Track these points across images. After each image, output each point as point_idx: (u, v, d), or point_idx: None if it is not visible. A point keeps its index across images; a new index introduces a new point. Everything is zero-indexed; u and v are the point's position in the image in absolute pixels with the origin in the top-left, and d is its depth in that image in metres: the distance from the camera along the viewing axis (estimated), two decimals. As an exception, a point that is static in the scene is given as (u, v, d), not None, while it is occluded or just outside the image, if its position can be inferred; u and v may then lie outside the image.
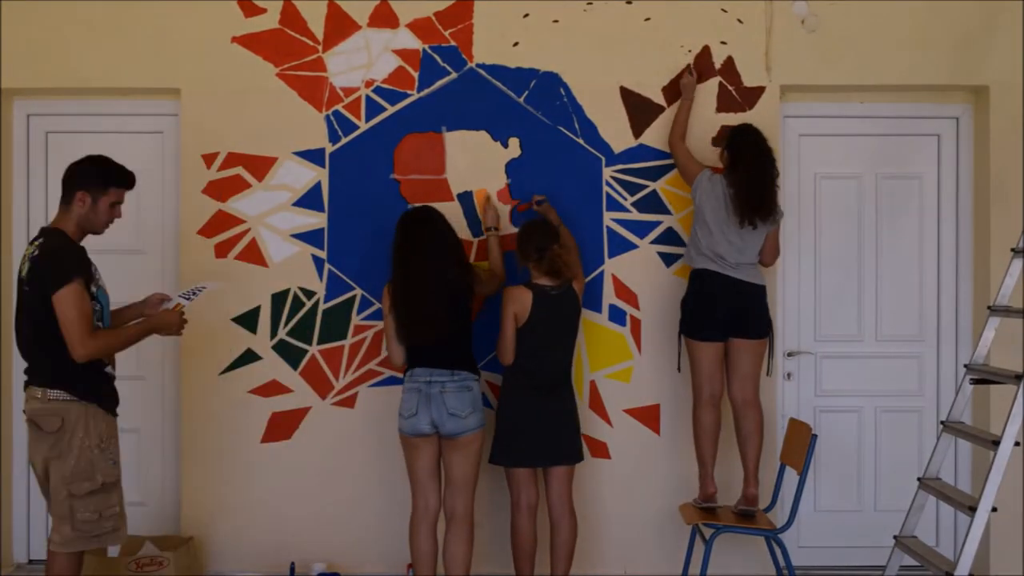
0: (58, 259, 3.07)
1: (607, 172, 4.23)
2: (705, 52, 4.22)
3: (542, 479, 3.82)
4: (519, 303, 3.72)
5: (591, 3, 4.23)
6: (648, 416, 4.23)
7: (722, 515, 3.82)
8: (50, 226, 3.22)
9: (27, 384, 3.21)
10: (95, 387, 3.21)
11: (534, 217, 4.00)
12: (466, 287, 3.69)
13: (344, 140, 4.23)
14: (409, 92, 4.23)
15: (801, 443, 3.72)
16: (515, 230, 4.19)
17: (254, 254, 4.23)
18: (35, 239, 3.20)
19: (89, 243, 4.35)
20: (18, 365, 4.35)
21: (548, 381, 3.76)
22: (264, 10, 4.22)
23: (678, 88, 4.21)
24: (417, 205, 3.96)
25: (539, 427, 3.72)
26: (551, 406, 3.76)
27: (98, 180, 3.21)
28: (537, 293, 3.73)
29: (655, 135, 4.22)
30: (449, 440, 3.60)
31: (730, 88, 4.22)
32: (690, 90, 4.12)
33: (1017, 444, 3.15)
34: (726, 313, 3.83)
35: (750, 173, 3.83)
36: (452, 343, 3.63)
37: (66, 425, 3.09)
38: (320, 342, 4.21)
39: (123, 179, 3.29)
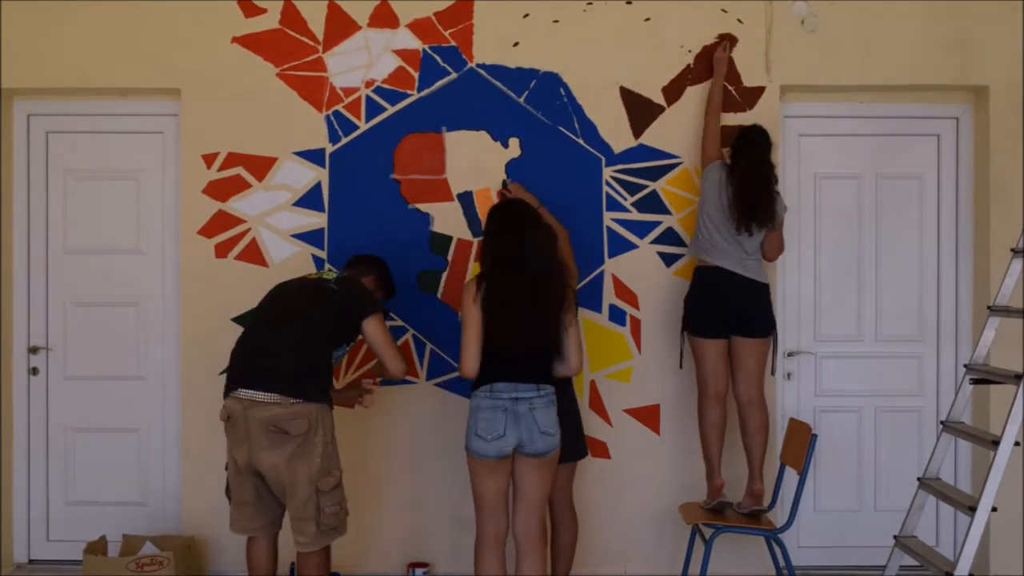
0: (369, 292, 3.55)
1: (607, 172, 4.23)
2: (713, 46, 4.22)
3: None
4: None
5: (591, 3, 4.23)
6: (648, 416, 4.23)
7: (730, 516, 3.81)
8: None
9: (252, 389, 3.26)
10: (326, 387, 3.37)
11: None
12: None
13: (344, 140, 4.23)
14: (409, 92, 4.23)
15: (801, 443, 3.72)
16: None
17: (254, 254, 4.23)
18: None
19: (89, 243, 4.37)
20: (19, 365, 4.38)
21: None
22: (264, 10, 4.23)
23: (678, 88, 4.21)
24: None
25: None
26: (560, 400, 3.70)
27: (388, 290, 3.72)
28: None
29: (655, 135, 4.22)
30: (534, 459, 3.29)
31: (730, 88, 4.22)
32: (723, 65, 4.10)
33: (1017, 444, 3.15)
34: (730, 310, 3.83)
35: (745, 179, 3.83)
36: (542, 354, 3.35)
37: (311, 426, 3.22)
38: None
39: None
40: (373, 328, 3.40)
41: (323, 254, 4.22)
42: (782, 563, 3.77)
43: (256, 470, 3.28)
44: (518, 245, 3.28)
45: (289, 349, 3.29)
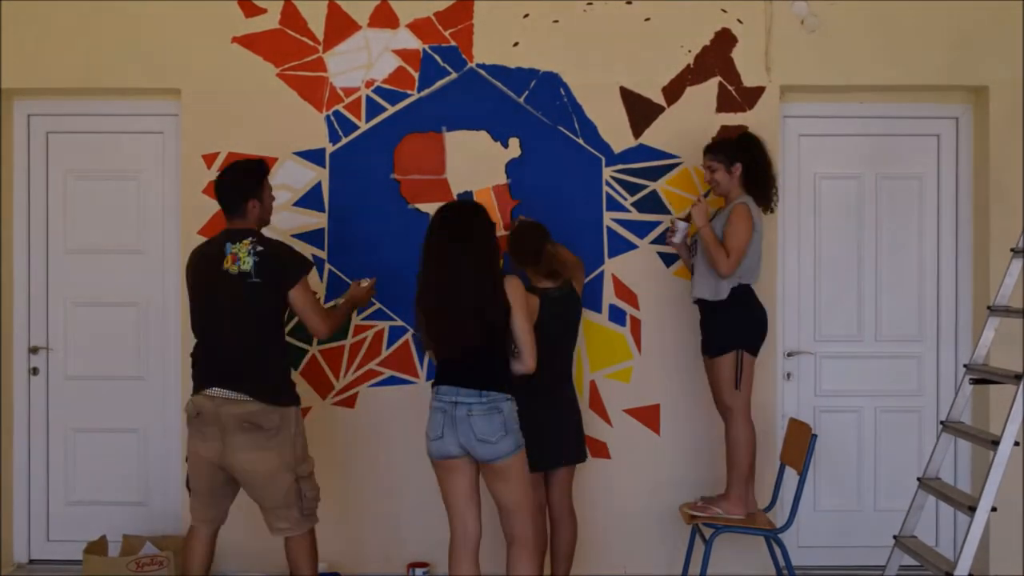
0: (289, 251, 3.45)
1: (607, 172, 4.23)
2: (720, 37, 4.23)
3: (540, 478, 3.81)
4: (530, 309, 3.51)
5: (591, 3, 4.23)
6: (648, 416, 4.23)
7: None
8: (240, 227, 3.41)
9: (222, 386, 3.29)
10: (290, 386, 3.45)
11: (522, 222, 3.87)
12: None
13: (344, 140, 4.24)
14: (409, 92, 4.24)
15: (801, 443, 3.73)
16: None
17: (254, 254, 4.22)
18: (237, 239, 3.36)
19: (89, 243, 4.38)
20: (19, 365, 4.38)
21: (547, 384, 3.69)
22: (264, 10, 4.23)
23: (678, 88, 4.21)
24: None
25: (543, 430, 3.63)
26: (553, 408, 3.72)
27: (256, 183, 3.48)
28: (542, 297, 3.63)
29: (655, 135, 4.22)
30: (487, 466, 3.24)
31: (730, 88, 4.23)
32: (702, 216, 3.78)
33: (1017, 444, 3.15)
34: None
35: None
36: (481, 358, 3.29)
37: (283, 420, 3.33)
38: (320, 342, 4.21)
39: (265, 169, 3.56)
40: (295, 295, 3.39)
41: (323, 254, 4.22)
42: (782, 563, 3.77)
43: (222, 467, 3.32)
44: (452, 248, 3.27)
45: (246, 353, 3.32)
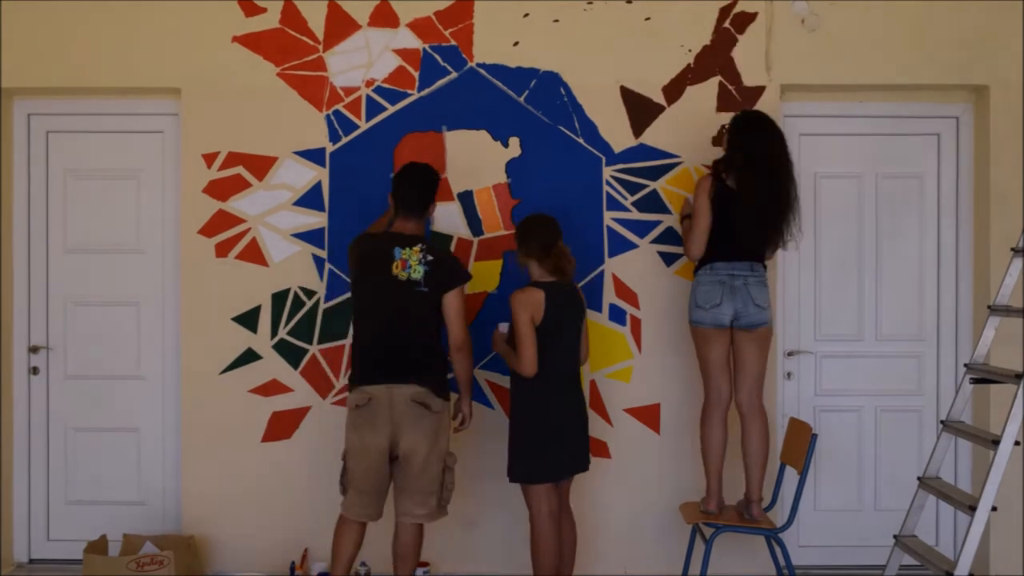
0: (454, 262, 3.67)
1: (607, 172, 4.23)
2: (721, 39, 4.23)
3: None
4: (533, 304, 3.55)
5: (591, 3, 4.23)
6: (648, 416, 4.23)
7: (724, 515, 3.82)
8: (410, 233, 3.59)
9: (395, 375, 3.47)
10: (448, 385, 3.63)
11: (536, 213, 3.86)
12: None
13: (344, 139, 4.24)
14: (409, 92, 4.24)
15: (801, 443, 3.72)
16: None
17: (255, 253, 4.23)
18: (406, 244, 3.53)
19: (89, 242, 4.37)
20: (19, 364, 4.38)
21: (565, 384, 3.67)
22: (264, 10, 4.23)
23: (678, 88, 4.21)
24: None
25: (564, 437, 3.63)
26: (572, 412, 3.68)
27: (436, 189, 3.73)
28: (547, 290, 3.59)
29: (655, 135, 4.22)
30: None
31: (730, 87, 4.23)
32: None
33: (1017, 443, 3.15)
34: None
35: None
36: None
37: (444, 406, 3.55)
38: (321, 341, 4.22)
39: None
40: (450, 299, 3.57)
41: (324, 253, 4.22)
42: (782, 563, 3.77)
43: (391, 455, 3.49)
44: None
45: (412, 353, 3.51)
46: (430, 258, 3.52)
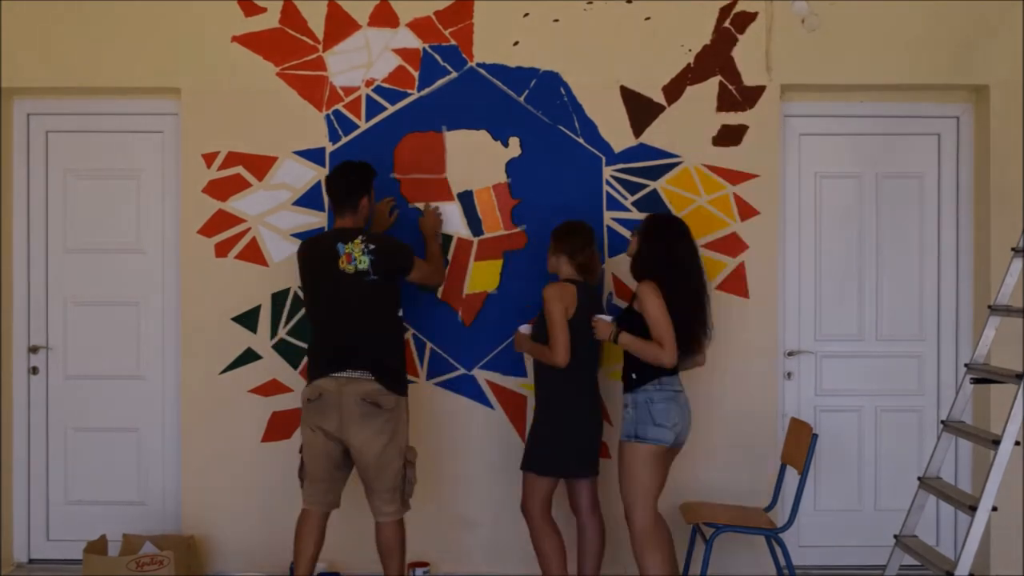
0: (394, 243, 3.73)
1: (607, 171, 4.23)
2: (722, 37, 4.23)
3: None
4: (567, 296, 3.64)
5: (591, 3, 4.23)
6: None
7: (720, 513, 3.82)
8: (349, 226, 3.66)
9: (346, 369, 3.52)
10: (405, 377, 3.71)
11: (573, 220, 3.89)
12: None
13: (344, 139, 4.23)
14: (409, 91, 4.23)
15: (802, 443, 3.72)
16: (517, 229, 4.21)
17: (254, 253, 4.23)
18: (348, 239, 3.59)
19: (89, 242, 4.38)
20: (19, 364, 4.38)
21: (588, 385, 3.74)
22: (264, 9, 4.22)
23: (678, 87, 4.21)
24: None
25: (580, 436, 3.67)
26: (592, 415, 3.74)
27: (369, 181, 3.75)
28: (578, 287, 3.70)
29: (655, 134, 4.22)
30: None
31: (730, 87, 4.23)
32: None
33: (1017, 443, 3.15)
34: None
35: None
36: None
37: (398, 404, 3.58)
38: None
39: (374, 170, 3.81)
40: (414, 278, 3.75)
41: (323, 253, 4.22)
42: (782, 563, 3.77)
43: (344, 447, 3.54)
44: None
45: (369, 342, 3.56)
46: (372, 247, 3.58)
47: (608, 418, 4.17)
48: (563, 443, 3.66)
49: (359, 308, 3.56)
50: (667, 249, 3.60)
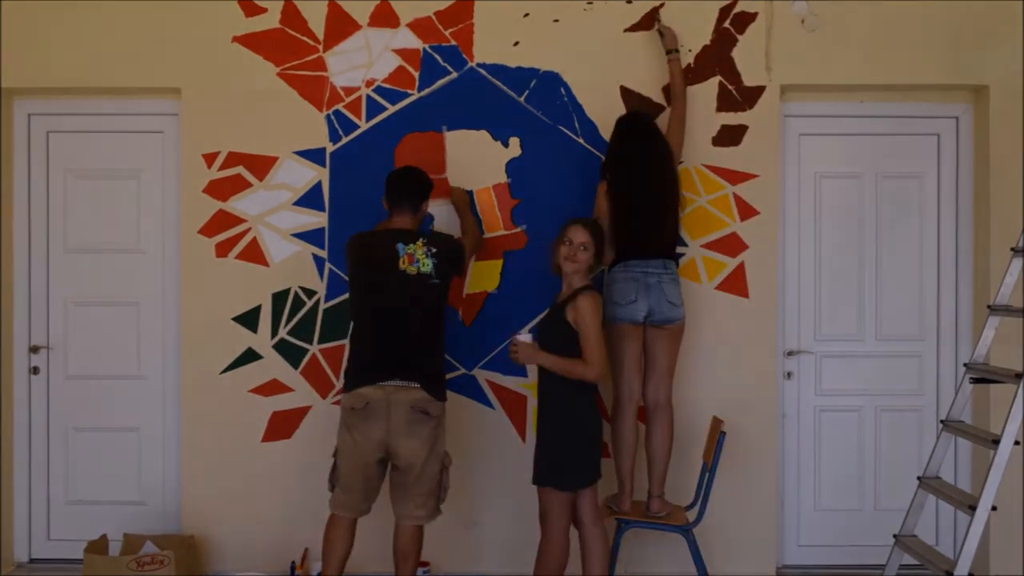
0: (452, 244, 3.69)
1: (607, 172, 4.23)
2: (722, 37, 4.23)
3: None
4: (600, 309, 3.51)
5: (591, 3, 4.23)
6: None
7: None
8: (408, 228, 3.63)
9: (395, 378, 3.46)
10: (445, 384, 3.66)
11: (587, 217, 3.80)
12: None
13: (345, 139, 4.24)
14: (409, 91, 4.24)
15: (713, 440, 3.83)
16: (517, 229, 4.20)
17: (255, 253, 4.23)
18: (409, 240, 3.56)
19: (89, 242, 4.38)
20: (19, 364, 4.38)
21: (596, 392, 3.62)
22: (265, 10, 4.23)
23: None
24: None
25: (595, 440, 3.58)
26: (599, 410, 3.62)
27: (430, 187, 3.78)
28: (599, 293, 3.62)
29: (655, 135, 4.22)
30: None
31: (730, 87, 4.23)
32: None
33: (1017, 443, 3.15)
34: None
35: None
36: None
37: (442, 411, 3.56)
38: (321, 341, 4.22)
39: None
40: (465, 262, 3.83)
41: (324, 253, 4.22)
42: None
43: (383, 454, 3.49)
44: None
45: (422, 348, 3.52)
46: (434, 250, 3.55)
47: (607, 415, 4.18)
48: (583, 453, 3.50)
49: (418, 312, 3.50)
50: (616, 144, 3.92)
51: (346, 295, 4.16)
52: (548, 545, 3.49)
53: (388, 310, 3.51)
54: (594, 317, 3.43)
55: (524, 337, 3.51)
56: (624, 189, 3.85)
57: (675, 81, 4.09)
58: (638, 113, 4.06)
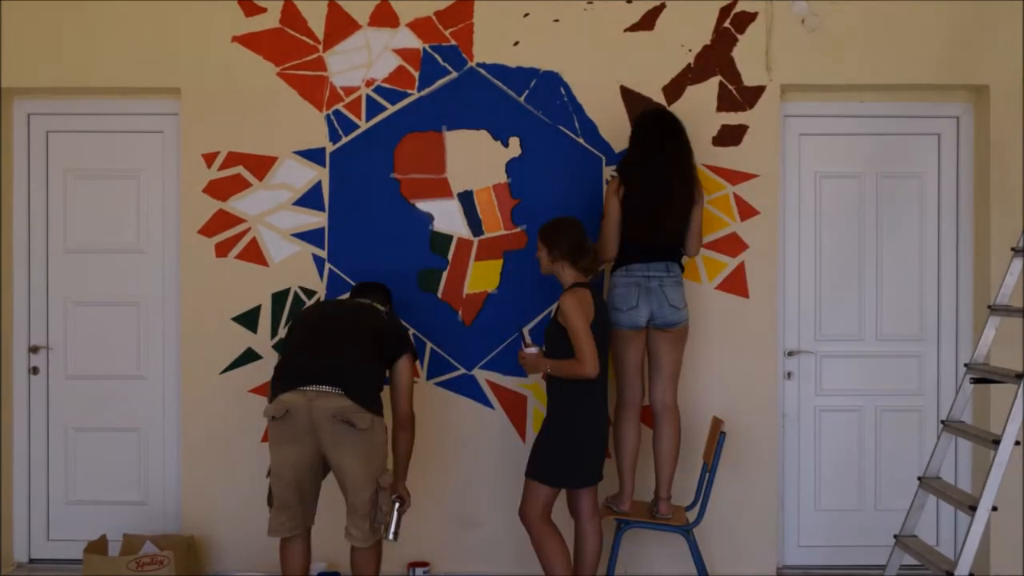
0: (404, 330, 3.70)
1: (607, 171, 4.23)
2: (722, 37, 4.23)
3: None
4: (586, 304, 3.46)
5: (591, 3, 4.23)
6: (647, 415, 4.22)
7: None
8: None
9: (318, 384, 3.26)
10: (380, 401, 3.41)
11: (558, 217, 3.79)
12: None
13: (344, 139, 4.23)
14: (409, 91, 4.23)
15: (713, 440, 3.83)
16: (517, 229, 4.20)
17: (254, 253, 4.23)
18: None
19: (89, 242, 4.38)
20: (19, 364, 4.38)
21: (604, 391, 3.59)
22: (264, 9, 4.23)
23: (678, 87, 4.21)
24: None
25: (600, 440, 3.59)
26: (606, 412, 3.62)
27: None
28: (591, 290, 3.54)
29: (655, 134, 4.22)
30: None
31: (730, 87, 4.23)
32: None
33: (1017, 443, 3.15)
34: None
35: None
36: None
37: (373, 424, 3.28)
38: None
39: None
40: (404, 366, 3.52)
41: (323, 253, 4.22)
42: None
43: (315, 465, 3.32)
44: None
45: (352, 355, 3.35)
46: (387, 309, 3.64)
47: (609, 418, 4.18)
48: (577, 454, 3.53)
49: (355, 328, 3.42)
50: (633, 139, 3.86)
51: (346, 295, 4.17)
52: (532, 538, 3.56)
53: (321, 322, 3.48)
54: (577, 313, 3.41)
55: (530, 349, 3.56)
56: (647, 189, 3.75)
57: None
58: (664, 110, 3.98)
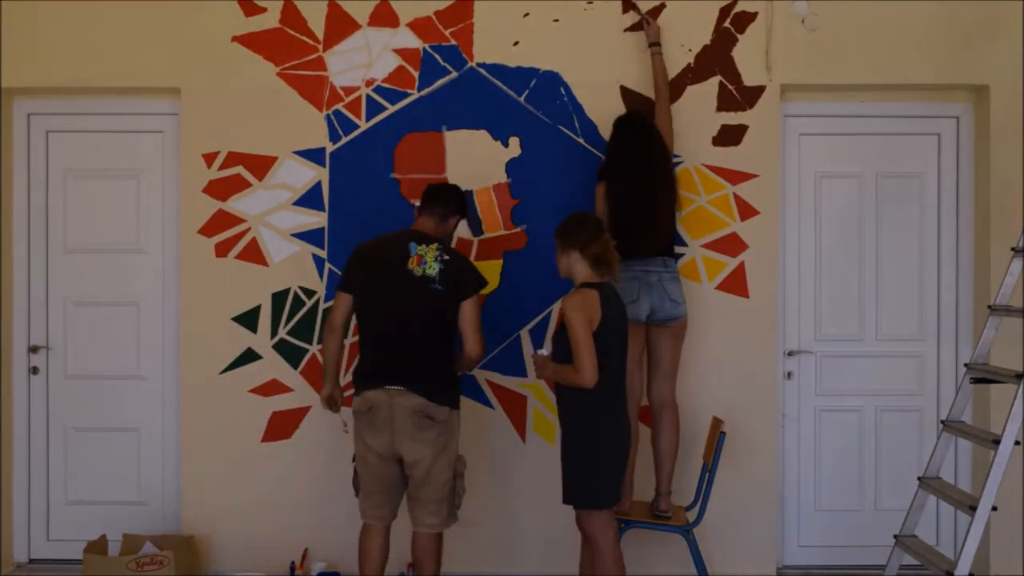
0: (469, 265, 3.59)
1: (607, 171, 4.23)
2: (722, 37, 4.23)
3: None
4: (589, 306, 3.22)
5: (591, 3, 4.23)
6: (647, 415, 4.22)
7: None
8: (429, 233, 3.53)
9: (394, 383, 3.36)
10: (457, 391, 3.57)
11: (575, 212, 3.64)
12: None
13: (344, 139, 4.23)
14: (409, 91, 4.23)
15: (712, 439, 3.82)
16: (517, 229, 4.20)
17: (254, 253, 4.23)
18: (424, 241, 3.47)
19: (89, 242, 4.38)
20: (19, 364, 4.37)
21: (622, 390, 3.38)
22: (264, 9, 4.23)
23: (678, 87, 4.21)
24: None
25: (623, 453, 3.40)
26: (628, 434, 3.41)
27: (465, 210, 3.73)
28: (600, 291, 3.29)
29: (655, 134, 4.22)
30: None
31: (730, 87, 4.23)
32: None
33: (1017, 443, 3.15)
34: None
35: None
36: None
37: (450, 416, 3.45)
38: (321, 341, 4.21)
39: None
40: (467, 309, 3.47)
41: (323, 253, 4.22)
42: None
43: (396, 458, 3.41)
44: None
45: (422, 356, 3.41)
46: (446, 257, 3.44)
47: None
48: (607, 470, 3.32)
49: (418, 317, 3.39)
50: (614, 145, 3.93)
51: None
52: (603, 563, 3.33)
53: (390, 309, 3.42)
54: (576, 317, 3.19)
55: (542, 351, 3.48)
56: (622, 190, 3.84)
57: (658, 75, 4.09)
58: (635, 113, 4.05)
